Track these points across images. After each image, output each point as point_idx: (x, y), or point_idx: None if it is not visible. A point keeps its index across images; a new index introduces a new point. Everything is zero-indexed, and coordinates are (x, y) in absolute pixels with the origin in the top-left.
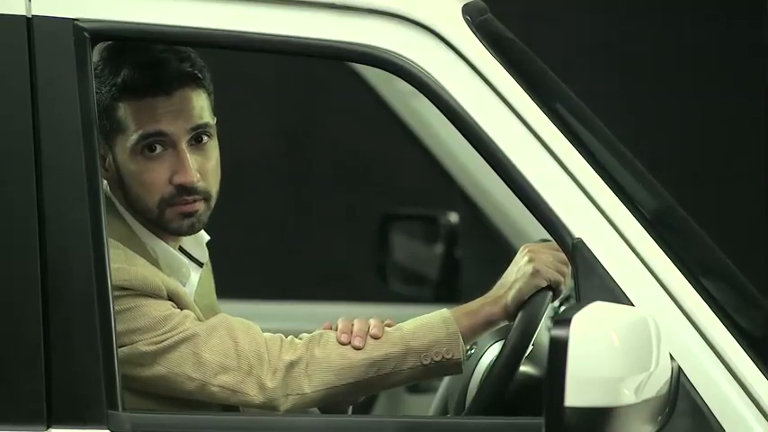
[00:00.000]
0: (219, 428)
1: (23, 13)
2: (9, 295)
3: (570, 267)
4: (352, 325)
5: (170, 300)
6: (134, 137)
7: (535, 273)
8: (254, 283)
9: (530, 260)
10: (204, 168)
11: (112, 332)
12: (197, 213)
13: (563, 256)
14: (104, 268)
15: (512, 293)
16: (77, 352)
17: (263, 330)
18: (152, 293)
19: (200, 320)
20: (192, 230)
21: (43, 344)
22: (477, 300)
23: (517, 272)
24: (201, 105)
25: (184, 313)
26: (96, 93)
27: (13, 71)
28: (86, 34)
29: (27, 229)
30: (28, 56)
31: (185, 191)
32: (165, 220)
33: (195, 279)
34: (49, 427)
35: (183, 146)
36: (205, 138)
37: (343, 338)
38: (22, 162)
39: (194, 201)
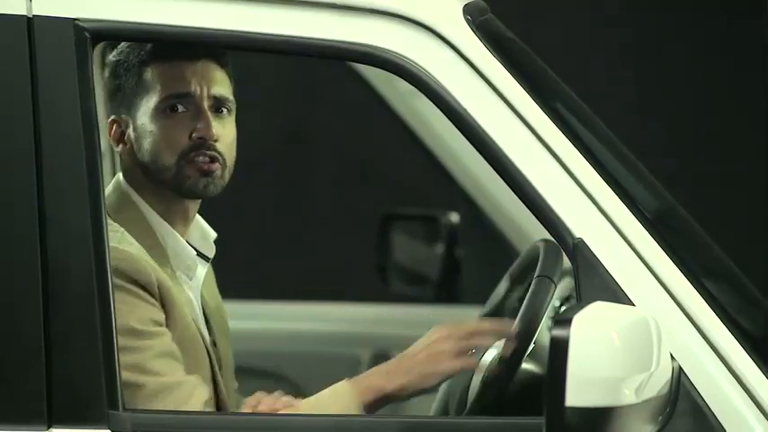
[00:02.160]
0: (219, 428)
1: (24, 13)
2: (9, 295)
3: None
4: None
5: (159, 288)
6: (158, 97)
7: (435, 357)
8: (254, 283)
9: (435, 341)
10: (222, 137)
11: (113, 332)
12: (214, 174)
13: (469, 342)
14: (104, 268)
15: (413, 374)
16: (77, 352)
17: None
18: (138, 278)
19: (185, 328)
20: (206, 192)
21: (43, 344)
22: (378, 370)
23: (419, 352)
24: (224, 81)
25: (158, 341)
26: (125, 60)
27: (13, 71)
28: (87, 34)
29: (27, 229)
30: (28, 56)
31: (204, 146)
32: (182, 176)
33: (202, 274)
34: (49, 427)
35: (205, 105)
36: (225, 111)
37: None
38: (23, 162)
39: (213, 160)
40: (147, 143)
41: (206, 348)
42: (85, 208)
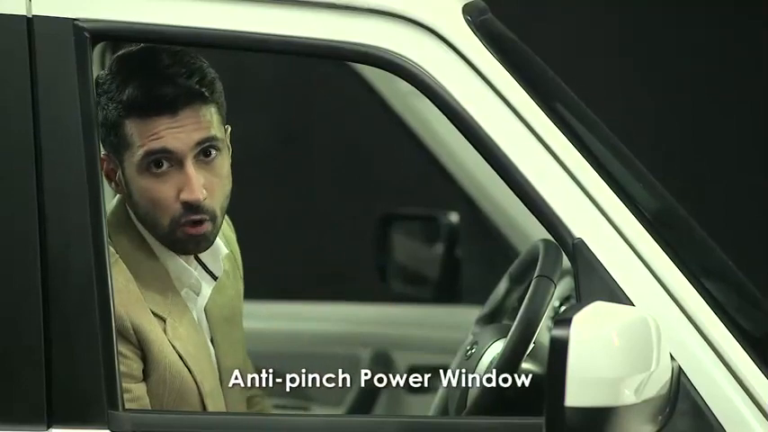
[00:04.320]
0: (219, 428)
1: (24, 13)
2: (9, 295)
3: None
4: None
5: (135, 332)
6: (139, 153)
7: None
8: (254, 283)
9: None
10: (212, 184)
11: (112, 332)
12: (203, 235)
13: None
14: (104, 268)
15: None
16: (77, 352)
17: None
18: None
19: (167, 367)
20: (198, 250)
21: (43, 344)
22: None
23: None
24: (209, 119)
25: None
26: (104, 108)
27: (13, 71)
28: (86, 34)
29: (27, 229)
30: (28, 56)
31: (191, 209)
32: (173, 239)
33: (207, 292)
34: (49, 427)
35: (189, 162)
36: (213, 152)
37: None
38: (23, 162)
39: (201, 221)
40: (136, 197)
41: (194, 380)
42: (85, 207)
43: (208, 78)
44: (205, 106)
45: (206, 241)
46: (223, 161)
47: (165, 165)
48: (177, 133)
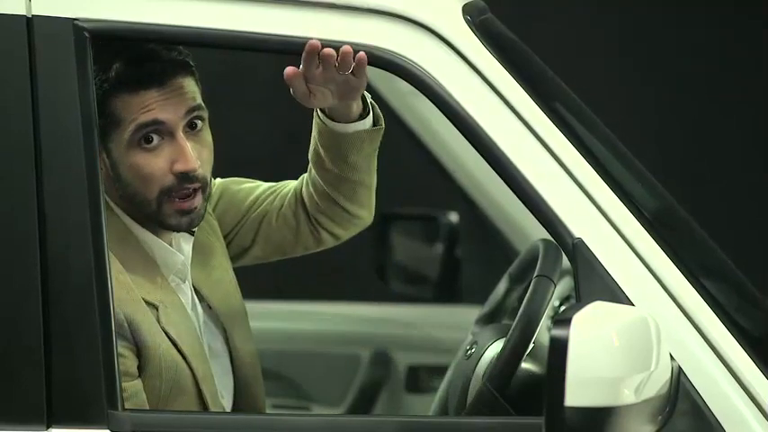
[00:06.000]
0: (219, 428)
1: (23, 13)
2: (9, 295)
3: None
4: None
5: (129, 324)
6: (130, 129)
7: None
8: (253, 282)
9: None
10: (201, 156)
11: (112, 332)
12: (196, 210)
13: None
14: (104, 268)
15: None
16: (77, 352)
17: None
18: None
19: (161, 357)
20: (190, 226)
21: (43, 344)
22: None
23: None
24: (193, 90)
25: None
26: None
27: (13, 71)
28: (86, 34)
29: (27, 229)
30: (28, 56)
31: (186, 179)
32: (162, 215)
33: (189, 251)
34: (49, 427)
35: (180, 133)
36: (199, 123)
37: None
38: (23, 161)
39: (194, 192)
40: (124, 177)
41: (188, 366)
42: (85, 207)
43: (185, 52)
44: (189, 76)
45: (197, 217)
46: (207, 132)
47: (156, 139)
48: (166, 104)
